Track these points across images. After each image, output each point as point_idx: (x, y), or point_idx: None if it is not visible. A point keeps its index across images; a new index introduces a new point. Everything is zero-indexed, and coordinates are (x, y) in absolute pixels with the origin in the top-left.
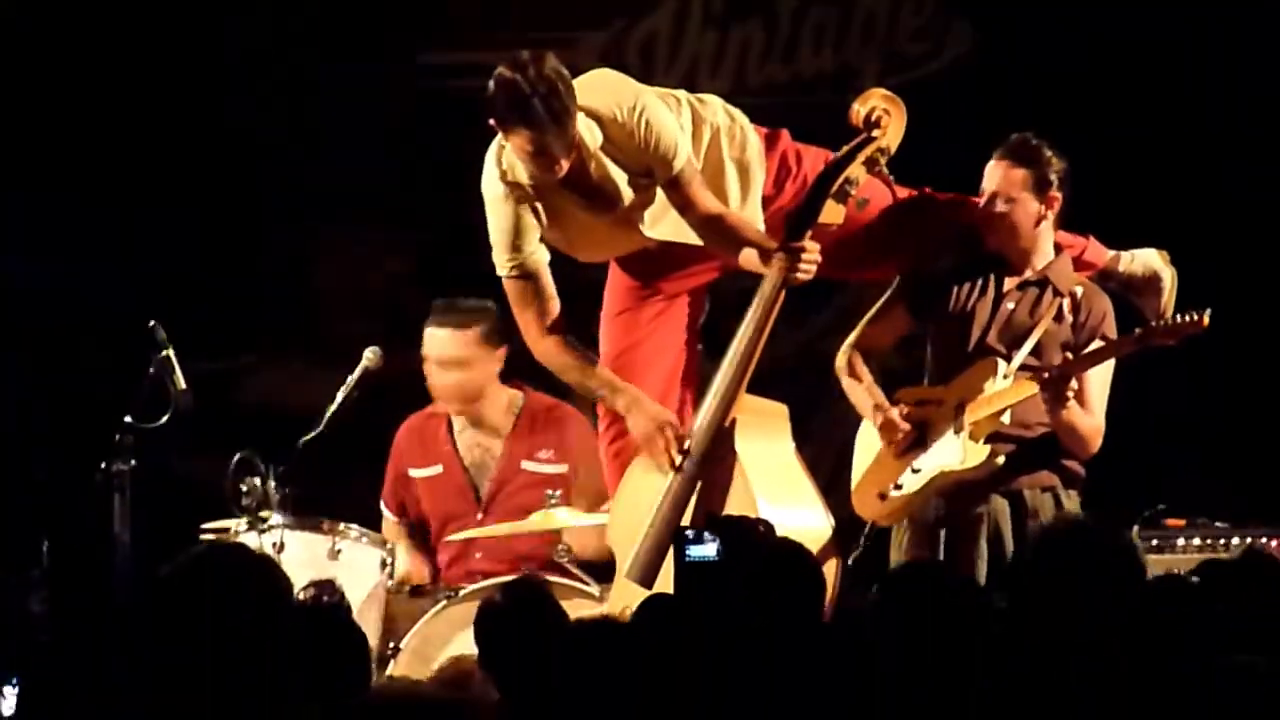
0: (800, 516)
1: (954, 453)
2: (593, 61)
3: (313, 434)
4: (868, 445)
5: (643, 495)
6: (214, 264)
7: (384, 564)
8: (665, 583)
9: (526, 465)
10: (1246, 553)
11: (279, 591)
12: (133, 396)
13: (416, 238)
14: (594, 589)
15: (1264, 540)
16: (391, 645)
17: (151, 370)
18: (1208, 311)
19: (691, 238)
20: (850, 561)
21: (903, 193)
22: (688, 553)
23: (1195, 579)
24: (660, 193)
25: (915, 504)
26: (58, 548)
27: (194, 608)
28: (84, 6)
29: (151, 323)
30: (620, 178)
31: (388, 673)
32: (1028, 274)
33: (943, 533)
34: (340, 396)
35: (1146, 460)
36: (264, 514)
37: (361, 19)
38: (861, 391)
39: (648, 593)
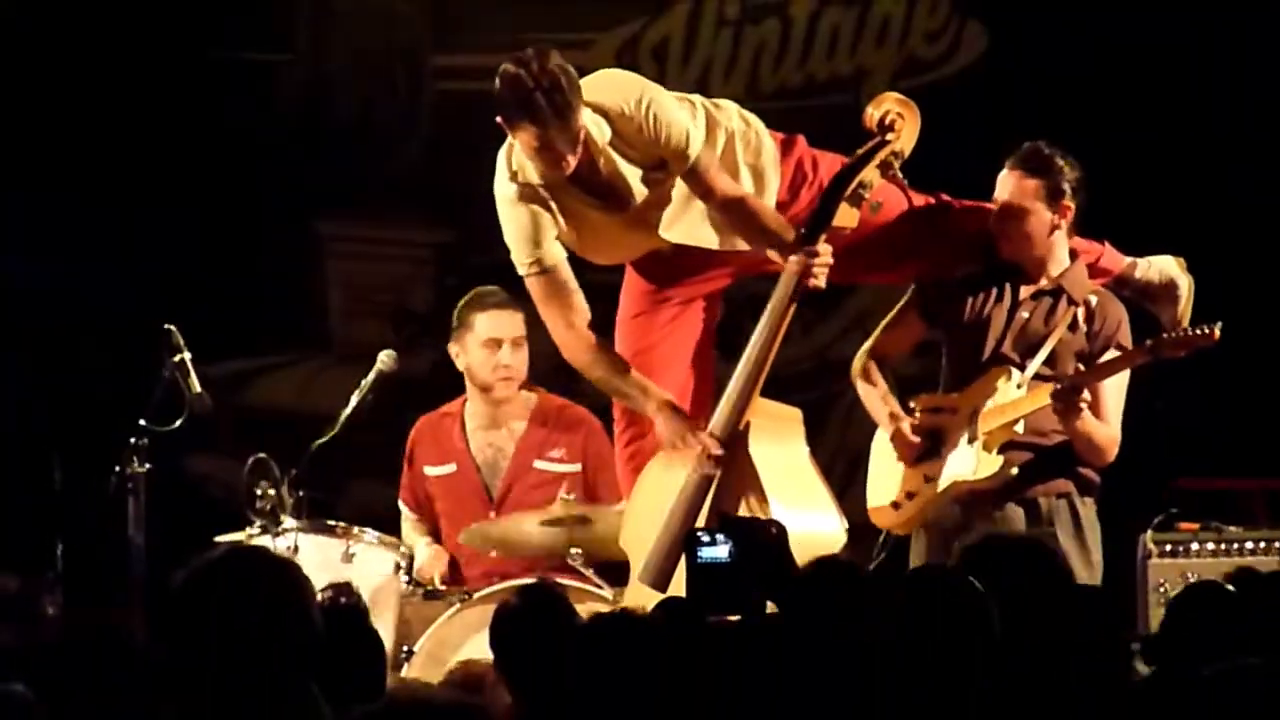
0: (814, 520)
1: (968, 463)
2: (606, 65)
3: (327, 437)
4: (882, 454)
5: (657, 499)
6: (225, 266)
7: (398, 567)
8: (679, 586)
9: (538, 464)
10: None
11: (300, 593)
12: (147, 400)
13: (430, 240)
14: (607, 592)
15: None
16: (405, 648)
17: (166, 374)
18: (1218, 325)
19: (707, 241)
20: (871, 569)
21: (918, 198)
22: (699, 555)
23: (1231, 587)
24: (676, 194)
25: (929, 513)
26: (72, 551)
27: (214, 609)
28: (84, 6)
29: (167, 327)
30: (632, 174)
31: (402, 676)
32: (1043, 282)
33: (958, 540)
34: (355, 400)
35: (1159, 465)
36: (278, 517)
37: (372, 20)
38: (876, 398)
39: (661, 596)
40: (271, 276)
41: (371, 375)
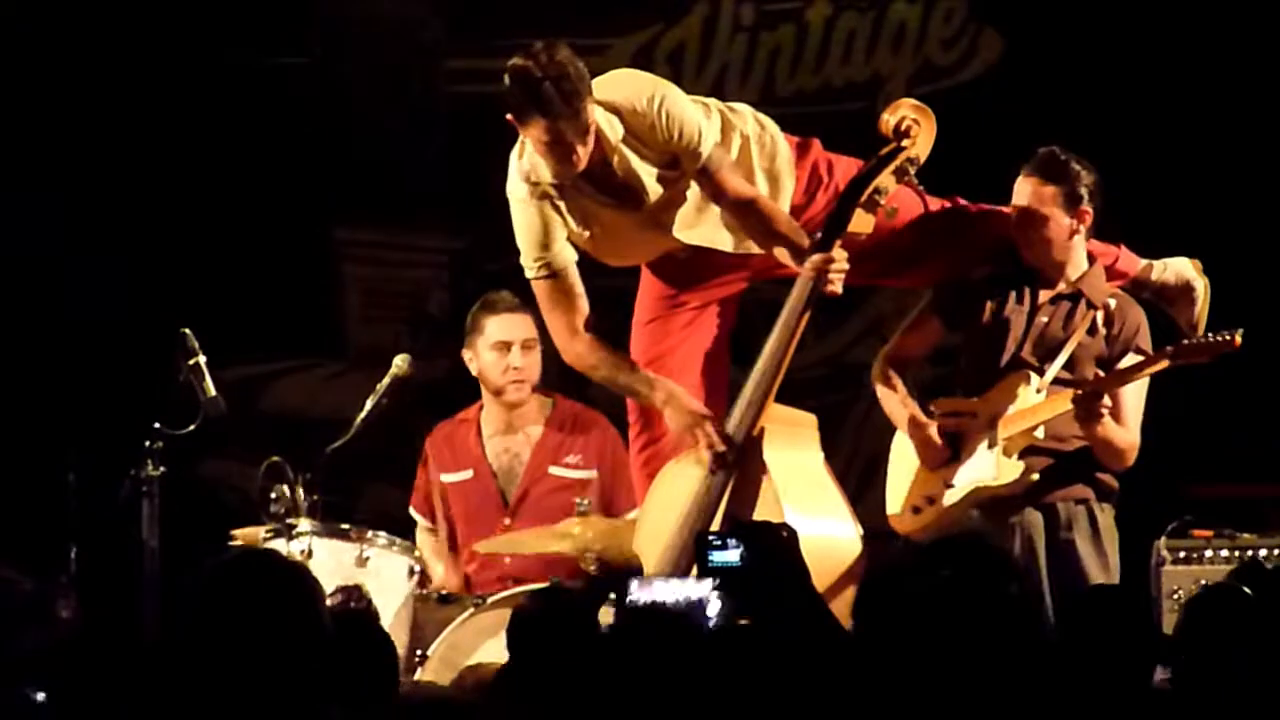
0: (828, 526)
1: (988, 468)
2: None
3: (341, 441)
4: (901, 459)
5: (671, 502)
6: (241, 270)
7: (412, 571)
8: None
9: (554, 470)
10: None
11: (309, 597)
12: (162, 403)
13: (447, 245)
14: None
15: None
16: (419, 652)
17: (181, 377)
18: (1240, 331)
19: (721, 243)
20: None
21: (934, 203)
22: (710, 558)
23: (1247, 590)
24: (691, 196)
25: (949, 518)
26: (86, 554)
27: (225, 613)
28: (101, 10)
29: (183, 330)
30: (646, 173)
31: (415, 679)
32: (1061, 286)
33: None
34: (369, 404)
35: (1174, 469)
36: (292, 521)
37: (390, 24)
38: (896, 402)
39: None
40: (287, 281)
41: (387, 380)
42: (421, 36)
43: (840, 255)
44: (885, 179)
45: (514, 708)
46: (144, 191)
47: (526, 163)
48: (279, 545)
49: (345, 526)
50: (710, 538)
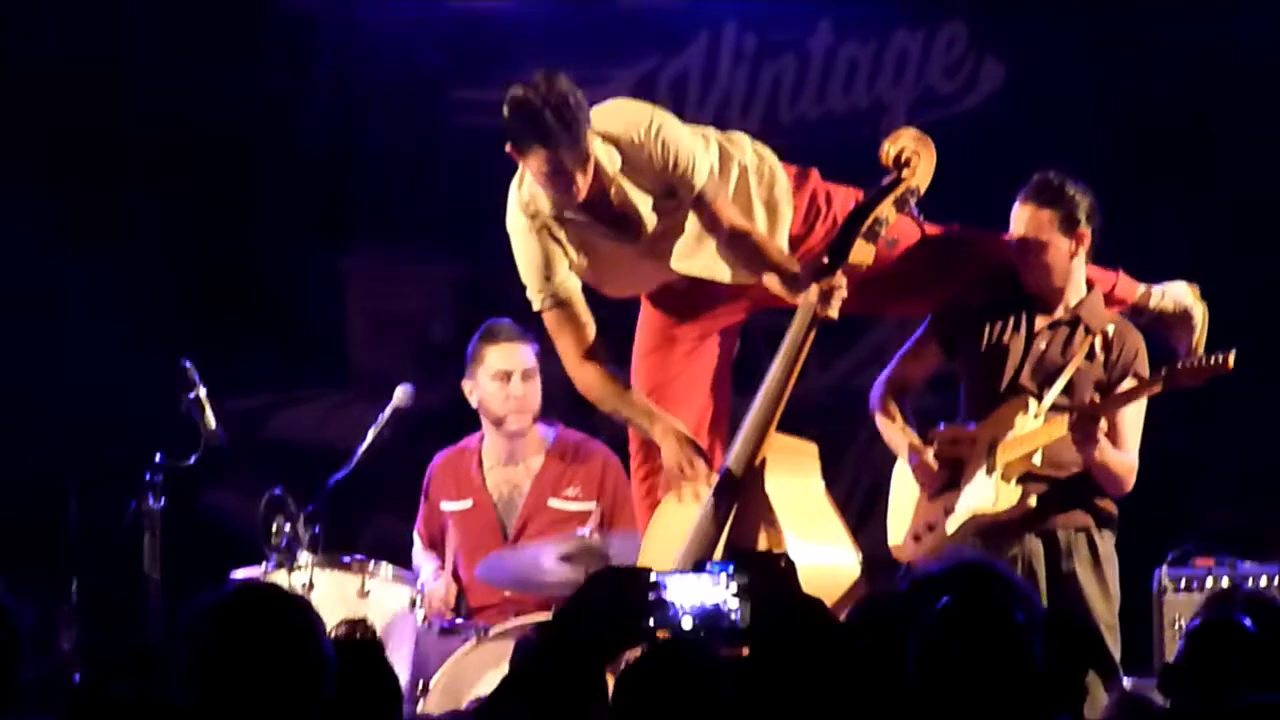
0: (830, 554)
1: (987, 494)
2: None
3: (344, 472)
4: (902, 487)
5: (673, 533)
6: (244, 300)
7: (414, 602)
8: None
9: (553, 502)
10: None
11: (311, 630)
12: (164, 434)
13: (447, 274)
14: None
15: None
16: (421, 683)
17: (183, 408)
18: (1233, 352)
19: (719, 274)
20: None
21: (932, 230)
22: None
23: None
24: (690, 227)
25: (950, 545)
26: (88, 586)
27: (226, 646)
28: (101, 39)
29: (184, 361)
30: (643, 203)
31: (418, 711)
32: (1059, 312)
33: None
34: (371, 435)
35: (1174, 498)
36: (295, 553)
37: (393, 55)
38: (895, 430)
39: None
40: (290, 310)
41: (389, 410)
42: (425, 66)
43: (840, 281)
44: (886, 209)
45: None
46: (147, 220)
47: (526, 193)
48: (280, 577)
49: (347, 558)
50: (707, 566)
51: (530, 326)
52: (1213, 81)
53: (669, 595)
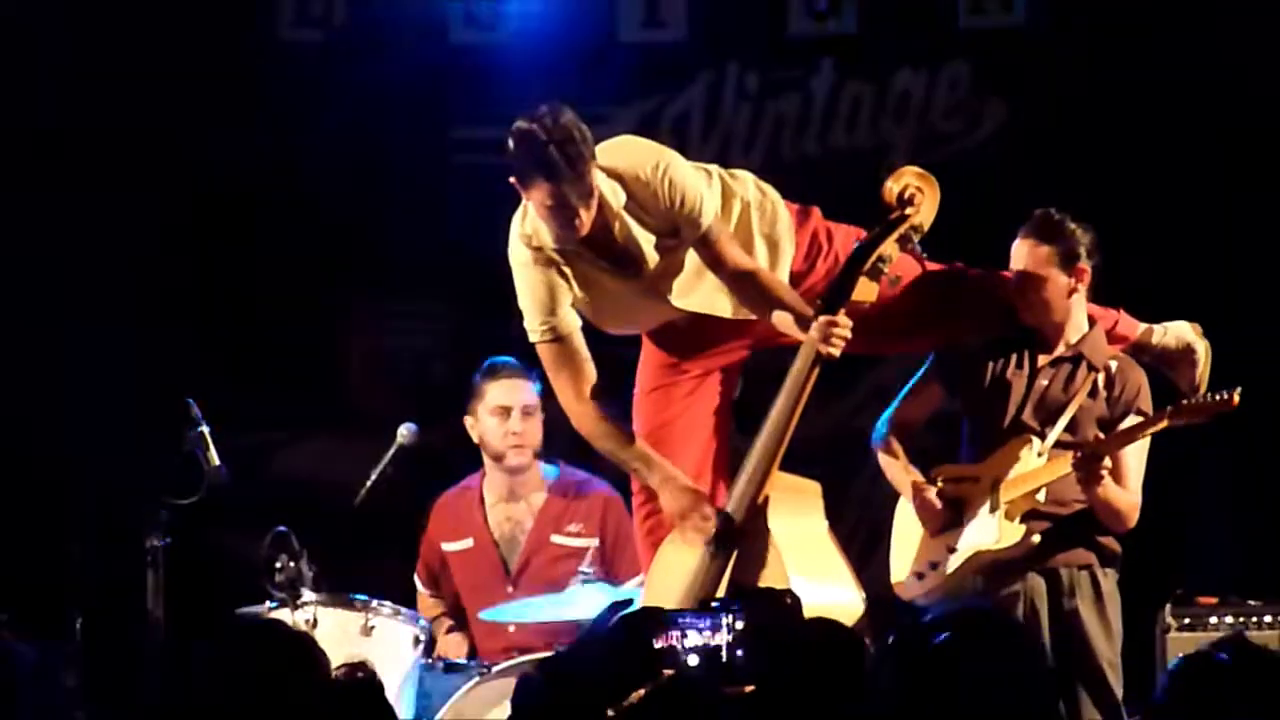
0: (833, 593)
1: (989, 532)
2: None
3: (347, 510)
4: (905, 525)
5: (676, 573)
6: (246, 339)
7: (417, 641)
8: None
9: (555, 539)
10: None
11: (315, 667)
12: (167, 473)
13: (451, 312)
14: None
15: None
16: None
17: (186, 447)
18: (1238, 390)
19: (720, 309)
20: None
21: (934, 268)
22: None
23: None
24: (689, 263)
25: (953, 583)
26: (91, 623)
27: (230, 683)
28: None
29: (187, 399)
30: (646, 240)
31: None
32: (1061, 349)
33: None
34: (375, 474)
35: (1179, 537)
36: (298, 591)
37: (392, 92)
38: (898, 469)
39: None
40: (292, 349)
41: (392, 449)
42: (425, 105)
43: (844, 320)
44: (889, 247)
45: None
46: (147, 260)
47: (529, 226)
48: (284, 615)
49: (350, 596)
50: (714, 606)
51: (534, 365)
52: (1217, 122)
53: (677, 633)
